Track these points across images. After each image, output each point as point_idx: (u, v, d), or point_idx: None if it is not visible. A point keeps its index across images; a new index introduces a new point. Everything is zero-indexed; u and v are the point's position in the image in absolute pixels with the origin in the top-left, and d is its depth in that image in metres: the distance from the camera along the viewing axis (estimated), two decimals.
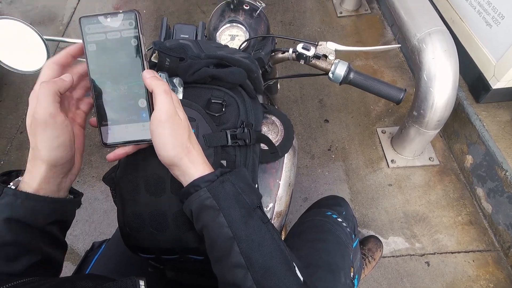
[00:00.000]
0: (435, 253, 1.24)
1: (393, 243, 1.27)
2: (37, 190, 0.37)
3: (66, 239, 0.44)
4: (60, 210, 0.40)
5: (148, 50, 0.55)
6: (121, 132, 0.41)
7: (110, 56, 0.39)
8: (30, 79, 1.97)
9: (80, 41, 0.39)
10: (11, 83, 1.98)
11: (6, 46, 0.58)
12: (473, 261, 1.21)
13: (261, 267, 0.36)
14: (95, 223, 1.38)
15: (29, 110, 0.36)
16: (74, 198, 0.43)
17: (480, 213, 1.31)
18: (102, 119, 0.40)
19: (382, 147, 1.51)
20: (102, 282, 0.31)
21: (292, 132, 0.64)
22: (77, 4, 2.45)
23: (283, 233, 0.95)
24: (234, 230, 0.37)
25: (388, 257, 1.24)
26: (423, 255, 1.23)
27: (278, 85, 1.13)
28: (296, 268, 0.38)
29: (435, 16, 1.08)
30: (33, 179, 0.37)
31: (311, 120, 1.65)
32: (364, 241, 1.24)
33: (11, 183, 0.38)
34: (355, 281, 0.76)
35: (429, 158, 1.44)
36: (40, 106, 0.34)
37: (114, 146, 0.41)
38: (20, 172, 0.40)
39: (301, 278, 0.38)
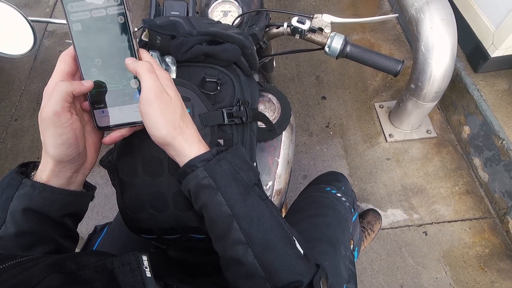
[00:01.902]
0: (432, 223, 1.27)
1: (391, 215, 1.30)
2: (46, 182, 0.38)
3: None
4: (74, 202, 0.41)
5: (138, 28, 0.53)
6: (115, 114, 0.40)
7: (97, 36, 0.37)
8: (20, 64, 1.92)
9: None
10: (1, 69, 1.94)
11: None
12: (470, 228, 1.24)
13: (261, 242, 0.37)
14: (97, 207, 1.39)
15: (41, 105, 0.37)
16: (88, 192, 0.44)
17: (477, 182, 1.33)
18: (94, 102, 0.39)
19: (380, 122, 1.50)
20: (105, 258, 0.31)
21: (289, 109, 0.63)
22: None
23: (283, 210, 0.97)
24: (232, 208, 0.37)
25: (387, 229, 1.27)
26: (421, 225, 1.27)
27: (274, 62, 1.11)
28: (296, 242, 0.39)
29: None
30: (43, 172, 0.38)
31: (308, 98, 1.63)
32: (363, 214, 1.26)
33: (32, 174, 0.39)
34: (355, 253, 0.78)
35: (427, 131, 1.44)
36: (48, 103, 0.35)
37: (108, 129, 0.41)
38: (36, 164, 0.41)
39: (301, 251, 0.39)
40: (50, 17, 2.18)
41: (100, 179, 1.46)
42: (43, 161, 0.38)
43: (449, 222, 1.26)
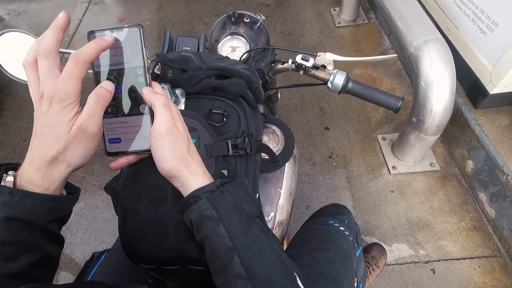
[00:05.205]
0: (440, 260, 1.22)
1: (397, 251, 1.26)
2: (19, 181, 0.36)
3: (65, 248, 0.43)
4: (59, 208, 0.38)
5: (151, 62, 0.57)
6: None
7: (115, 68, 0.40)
8: None
9: None
10: (16, 92, 2.03)
11: (13, 57, 0.60)
12: (479, 267, 1.19)
13: (261, 278, 0.36)
14: (95, 231, 1.37)
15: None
16: (73, 195, 0.42)
17: (484, 218, 1.30)
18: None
19: (383, 154, 1.51)
20: None
21: (293, 141, 0.65)
22: (83, 16, 2.50)
23: (285, 242, 0.95)
24: (234, 241, 0.37)
25: (393, 264, 1.23)
26: (428, 262, 1.22)
27: (279, 94, 1.15)
28: (298, 278, 0.38)
29: (431, 25, 1.10)
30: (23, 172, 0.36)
31: (312, 128, 1.66)
32: (368, 248, 1.23)
33: (3, 177, 0.36)
34: None
35: (430, 164, 1.44)
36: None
37: (116, 155, 0.42)
38: (9, 166, 0.38)
39: None
40: (69, 45, 2.31)
41: (101, 202, 1.45)
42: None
43: (457, 259, 1.22)
